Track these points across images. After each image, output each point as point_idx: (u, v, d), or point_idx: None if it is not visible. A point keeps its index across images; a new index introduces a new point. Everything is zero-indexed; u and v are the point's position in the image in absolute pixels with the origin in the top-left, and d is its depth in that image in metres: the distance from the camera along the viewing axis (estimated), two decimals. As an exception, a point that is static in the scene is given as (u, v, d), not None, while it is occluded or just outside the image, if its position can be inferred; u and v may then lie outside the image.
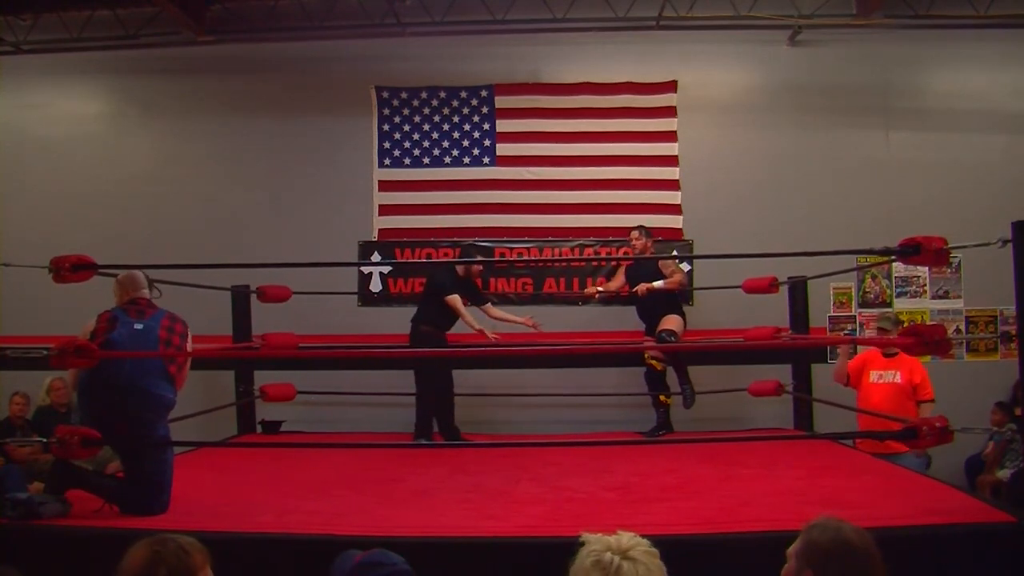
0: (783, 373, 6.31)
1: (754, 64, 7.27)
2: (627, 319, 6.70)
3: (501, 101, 7.31)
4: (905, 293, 7.11)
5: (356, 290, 7.25)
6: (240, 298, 6.42)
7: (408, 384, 6.11)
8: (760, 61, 7.26)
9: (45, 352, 5.35)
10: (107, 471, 4.94)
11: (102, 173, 7.43)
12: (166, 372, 3.87)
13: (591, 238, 7.20)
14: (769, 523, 3.40)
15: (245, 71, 7.46)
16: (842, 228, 6.74)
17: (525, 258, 7.18)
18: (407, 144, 7.34)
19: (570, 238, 7.21)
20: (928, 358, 5.33)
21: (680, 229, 7.16)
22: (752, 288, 5.96)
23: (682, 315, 6.31)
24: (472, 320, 5.95)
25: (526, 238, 7.23)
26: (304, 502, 3.95)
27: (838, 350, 6.08)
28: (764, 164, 7.17)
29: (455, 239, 7.19)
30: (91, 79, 7.58)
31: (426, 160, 7.33)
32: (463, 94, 7.32)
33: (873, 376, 5.27)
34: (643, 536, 1.87)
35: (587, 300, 7.08)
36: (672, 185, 7.17)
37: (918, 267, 6.72)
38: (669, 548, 1.92)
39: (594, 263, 7.15)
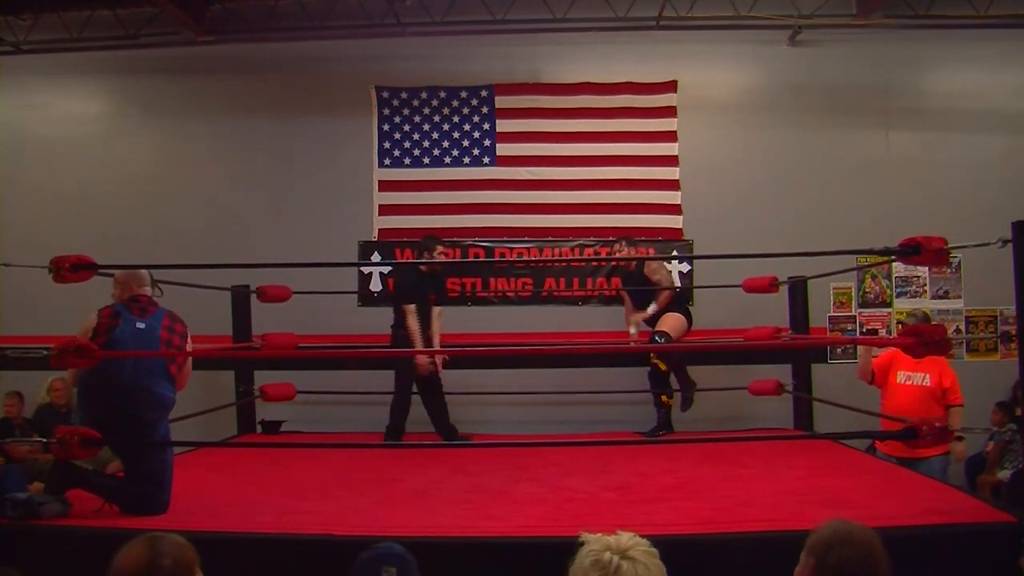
0: (783, 373, 6.32)
1: (754, 64, 7.27)
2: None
3: (501, 101, 7.31)
4: (905, 293, 7.11)
5: (356, 290, 7.25)
6: (240, 298, 6.42)
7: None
8: (760, 61, 7.26)
9: (45, 352, 5.34)
10: (107, 471, 4.94)
11: (102, 173, 7.43)
12: (167, 372, 3.87)
13: (591, 238, 7.20)
14: (769, 523, 3.40)
15: (245, 71, 7.46)
16: (842, 228, 6.74)
17: (525, 258, 7.18)
18: (407, 144, 7.34)
19: (570, 238, 7.21)
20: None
21: (680, 229, 7.16)
22: (752, 288, 5.96)
23: (685, 313, 6.28)
24: (419, 341, 5.80)
25: (526, 238, 7.23)
26: (304, 502, 3.95)
27: (838, 349, 6.09)
28: (764, 164, 7.17)
29: (455, 239, 7.19)
30: (91, 79, 7.58)
31: (426, 160, 7.33)
32: (463, 94, 7.32)
33: (901, 377, 5.13)
34: (643, 536, 1.87)
35: (587, 300, 7.10)
36: (672, 185, 7.17)
37: (918, 267, 6.72)
38: (669, 548, 1.92)
39: (594, 263, 7.15)
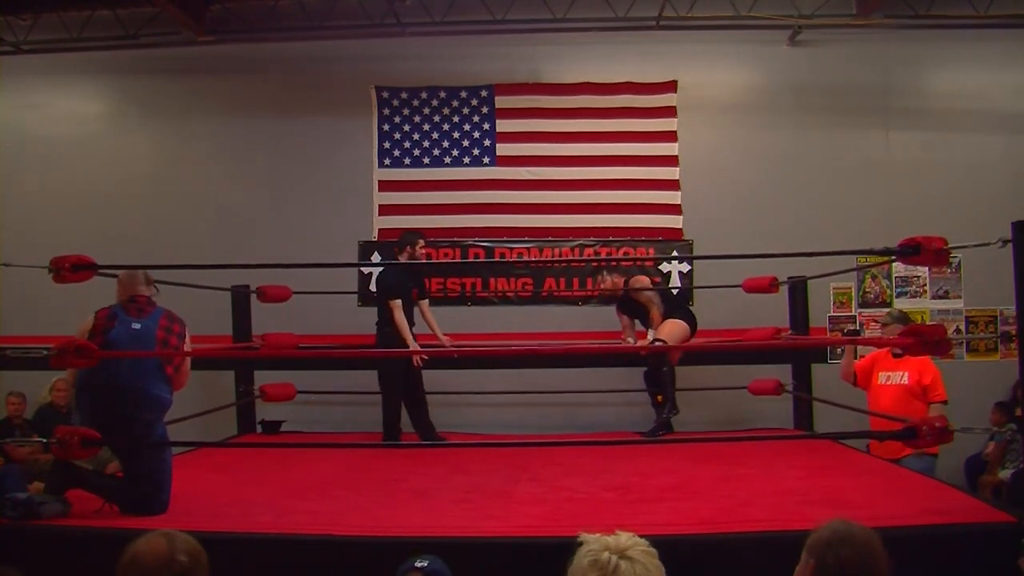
0: (783, 373, 6.32)
1: (754, 64, 7.27)
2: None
3: (501, 101, 7.31)
4: (905, 293, 7.11)
5: (356, 290, 7.24)
6: (240, 298, 6.42)
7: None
8: (760, 61, 7.26)
9: (45, 352, 5.34)
10: (107, 471, 4.94)
11: (102, 173, 7.43)
12: (163, 372, 3.87)
13: (591, 238, 7.20)
14: (769, 523, 3.40)
15: (245, 71, 7.46)
16: (842, 228, 6.74)
17: (525, 258, 7.18)
18: (407, 144, 7.34)
19: (570, 238, 7.21)
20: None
21: (680, 229, 7.16)
22: (752, 288, 5.96)
23: (686, 316, 6.23)
24: (408, 336, 5.77)
25: (526, 238, 7.23)
26: (304, 502, 3.95)
27: (838, 350, 6.08)
28: (764, 164, 7.17)
29: (455, 239, 7.19)
30: (91, 79, 7.58)
31: (426, 160, 7.33)
32: (463, 94, 7.32)
33: (881, 378, 5.15)
34: (643, 536, 1.87)
35: (587, 300, 7.10)
36: (672, 185, 7.17)
37: (918, 267, 6.71)
38: (669, 548, 1.92)
39: (594, 263, 7.15)
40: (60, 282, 3.82)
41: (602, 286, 6.52)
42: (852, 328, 6.73)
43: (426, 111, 7.35)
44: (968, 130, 7.10)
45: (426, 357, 5.61)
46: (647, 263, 7.14)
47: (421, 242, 6.02)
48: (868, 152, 7.12)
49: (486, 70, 7.34)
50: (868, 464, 4.83)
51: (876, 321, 6.81)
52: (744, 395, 6.36)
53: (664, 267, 7.20)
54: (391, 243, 7.16)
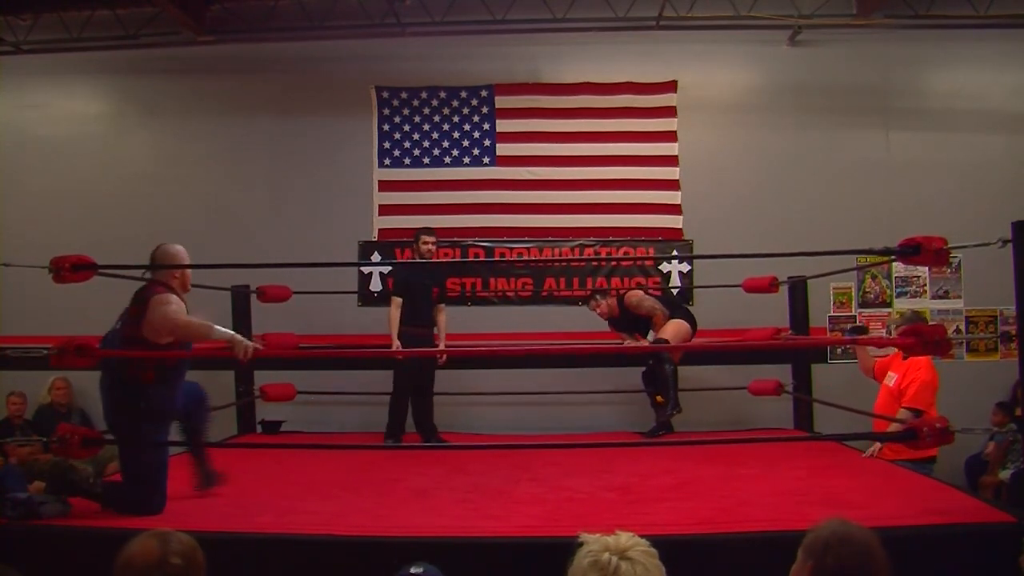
0: (783, 373, 6.32)
1: (754, 64, 7.27)
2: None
3: (501, 101, 7.31)
4: (905, 293, 7.11)
5: (356, 290, 7.25)
6: (240, 298, 6.42)
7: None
8: (760, 61, 7.26)
9: (45, 352, 5.34)
10: (107, 471, 4.94)
11: (102, 173, 7.43)
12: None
13: (591, 238, 7.20)
14: (769, 523, 3.40)
15: (245, 71, 7.46)
16: (842, 228, 6.74)
17: (525, 258, 7.18)
18: (407, 144, 7.34)
19: (570, 238, 7.21)
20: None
21: (680, 229, 7.16)
22: (752, 288, 5.96)
23: (686, 316, 6.23)
24: (394, 334, 5.84)
25: (526, 238, 7.23)
26: (304, 502, 3.95)
27: (839, 350, 6.06)
28: (764, 164, 7.17)
29: (455, 239, 7.19)
30: (91, 79, 7.58)
31: (426, 160, 7.33)
32: (463, 94, 7.32)
33: (887, 377, 5.13)
34: (643, 536, 1.86)
35: (587, 300, 7.09)
36: (672, 185, 7.17)
37: (918, 267, 6.72)
38: (669, 548, 1.92)
39: (594, 263, 7.15)
40: (60, 282, 3.83)
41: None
42: (857, 326, 6.71)
43: (426, 111, 7.35)
44: (968, 130, 7.10)
45: (426, 358, 5.64)
46: (647, 263, 7.16)
47: (423, 237, 6.05)
48: (868, 152, 7.12)
49: (486, 70, 7.34)
50: (868, 464, 4.83)
51: (879, 321, 6.83)
52: (744, 395, 6.36)
53: (664, 267, 7.22)
54: (391, 243, 7.20)
